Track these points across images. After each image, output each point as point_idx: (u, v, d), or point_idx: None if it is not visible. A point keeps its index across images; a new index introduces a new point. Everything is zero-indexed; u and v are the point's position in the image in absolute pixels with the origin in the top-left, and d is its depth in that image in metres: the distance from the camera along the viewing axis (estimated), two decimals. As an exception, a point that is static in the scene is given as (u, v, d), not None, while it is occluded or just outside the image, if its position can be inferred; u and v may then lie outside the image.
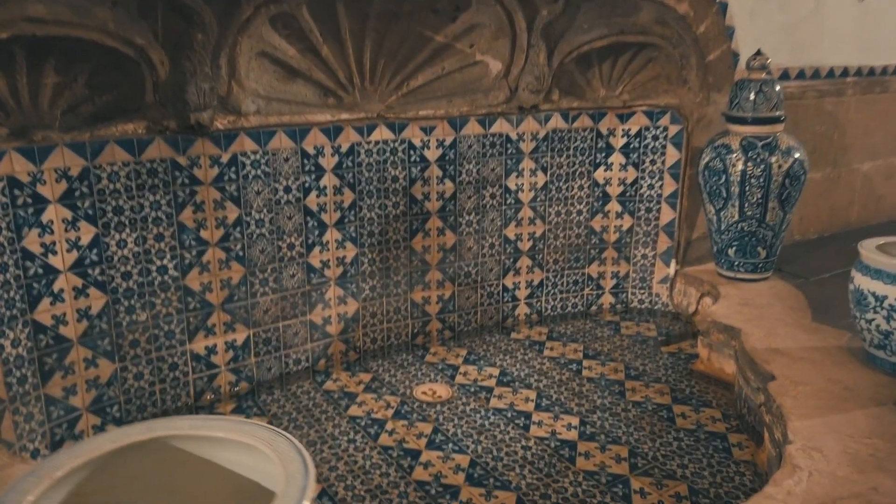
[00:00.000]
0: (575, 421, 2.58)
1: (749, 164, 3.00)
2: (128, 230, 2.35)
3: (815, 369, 2.29)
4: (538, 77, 3.11)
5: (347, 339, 3.04)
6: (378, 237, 3.01)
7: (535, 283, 3.47)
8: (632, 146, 3.43)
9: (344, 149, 2.82)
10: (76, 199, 2.21)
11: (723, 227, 3.19)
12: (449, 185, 3.12)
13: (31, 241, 2.13)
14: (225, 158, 2.52)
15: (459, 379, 2.92)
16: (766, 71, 3.06)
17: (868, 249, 2.27)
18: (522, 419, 2.59)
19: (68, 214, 2.20)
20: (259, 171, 2.62)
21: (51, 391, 2.23)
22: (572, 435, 2.49)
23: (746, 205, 3.07)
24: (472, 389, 2.82)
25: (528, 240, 3.39)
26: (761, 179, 3.00)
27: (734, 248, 3.18)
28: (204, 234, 2.53)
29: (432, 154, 3.04)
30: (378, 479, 2.22)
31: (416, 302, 3.19)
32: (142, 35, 2.18)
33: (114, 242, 2.32)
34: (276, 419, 2.57)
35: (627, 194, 3.49)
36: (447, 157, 3.08)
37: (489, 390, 2.82)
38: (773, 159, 2.99)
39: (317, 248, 2.84)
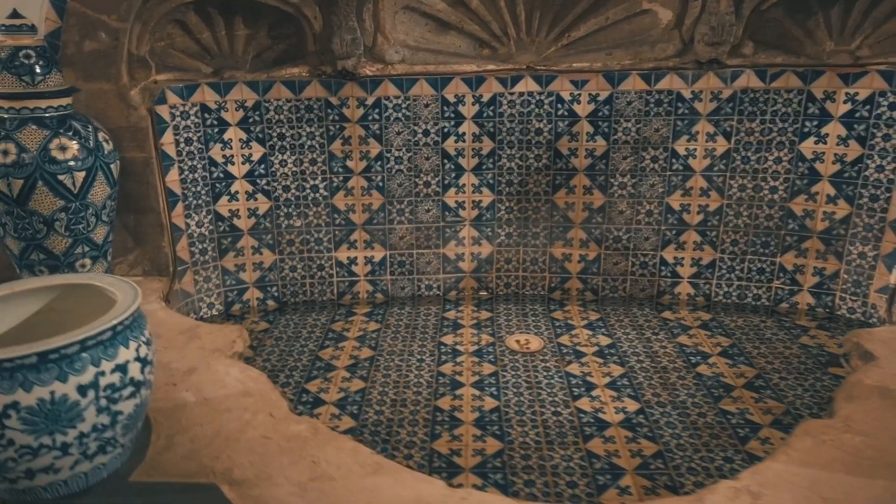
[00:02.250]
0: (633, 408, 2.38)
1: None
2: (288, 153, 2.98)
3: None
4: (717, 27, 2.70)
5: (480, 279, 3.24)
6: (517, 187, 3.09)
7: (705, 262, 3.09)
8: (858, 115, 2.72)
9: (485, 98, 2.96)
10: (250, 125, 2.92)
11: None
12: (601, 142, 2.99)
13: (216, 152, 2.91)
14: (370, 101, 2.94)
15: (564, 339, 2.89)
16: None
17: None
18: (582, 389, 2.50)
19: (243, 136, 2.92)
20: (400, 114, 2.97)
21: (225, 264, 3.06)
22: (614, 418, 2.32)
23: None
24: (564, 350, 2.79)
25: (699, 213, 3.02)
26: None
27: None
28: (350, 163, 3.02)
29: (583, 109, 2.95)
30: (409, 395, 2.48)
31: (556, 257, 3.19)
32: (293, -6, 2.71)
33: (277, 161, 2.99)
34: (391, 328, 2.97)
35: (846, 175, 2.80)
36: (600, 113, 2.94)
37: (580, 355, 2.74)
38: None
39: (452, 189, 3.09)
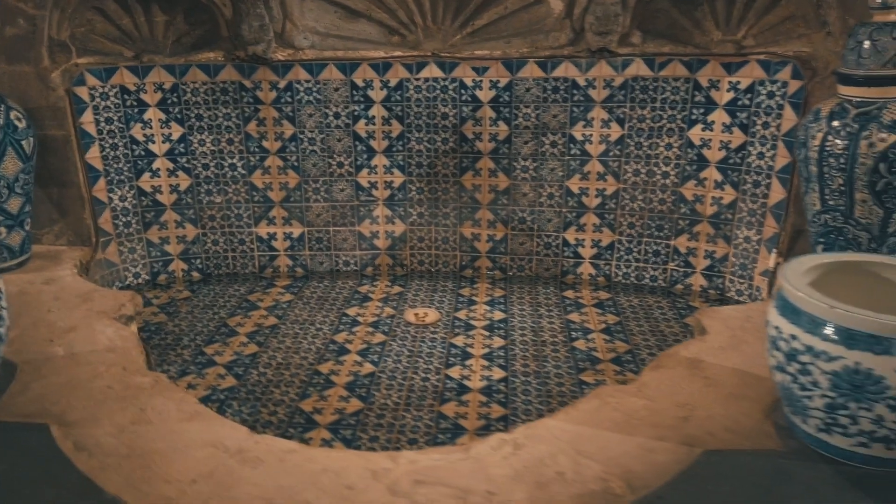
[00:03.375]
0: (498, 376, 2.54)
1: (830, 136, 2.25)
2: (206, 133, 3.16)
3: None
4: (603, 17, 2.80)
5: (395, 256, 3.40)
6: (427, 169, 3.24)
7: (604, 244, 3.21)
8: (740, 103, 2.81)
9: (392, 84, 3.10)
10: (168, 106, 3.10)
11: (810, 217, 2.47)
12: (503, 127, 3.12)
13: (136, 131, 3.10)
14: (282, 84, 3.10)
15: (461, 313, 3.04)
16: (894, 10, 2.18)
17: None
18: (458, 359, 2.66)
19: (163, 116, 3.11)
20: (311, 98, 3.13)
21: (150, 237, 3.26)
22: (477, 385, 2.48)
23: (827, 191, 2.32)
24: (457, 323, 2.94)
25: (596, 196, 3.14)
26: (842, 160, 2.23)
27: (822, 247, 2.44)
28: (265, 143, 3.20)
29: (485, 95, 3.08)
30: (295, 359, 2.66)
31: (466, 237, 3.33)
32: (204, -17, 2.87)
33: (196, 140, 3.17)
34: (303, 300, 3.15)
35: (731, 161, 2.89)
36: (501, 99, 3.07)
37: (469, 328, 2.90)
38: (865, 134, 2.17)
39: (365, 170, 3.25)
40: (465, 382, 2.51)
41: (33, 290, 2.58)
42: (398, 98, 3.12)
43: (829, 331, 1.45)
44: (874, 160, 2.16)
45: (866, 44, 2.20)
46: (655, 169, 3.04)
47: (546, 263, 3.31)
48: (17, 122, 2.61)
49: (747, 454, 1.60)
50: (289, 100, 3.12)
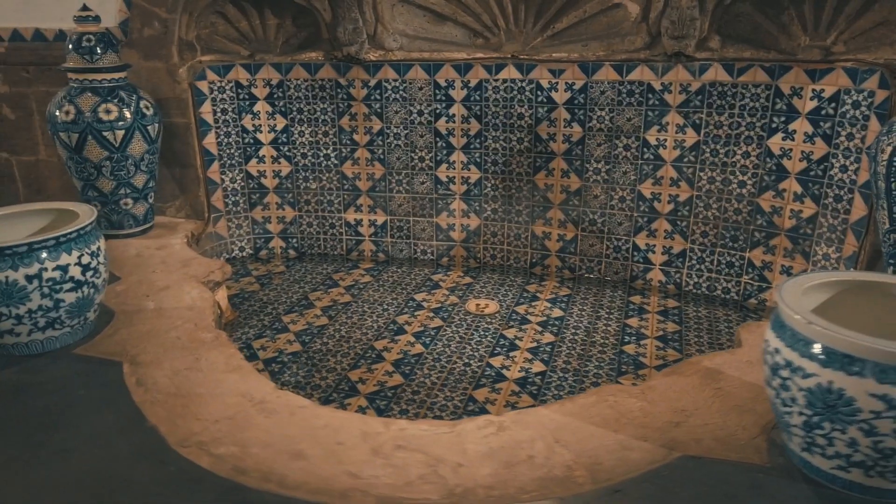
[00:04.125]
0: (538, 370, 2.62)
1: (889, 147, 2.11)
2: (306, 125, 3.49)
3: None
4: (679, 21, 2.77)
5: (469, 248, 3.56)
6: (502, 166, 3.35)
7: (675, 251, 3.16)
8: (824, 112, 2.67)
9: (473, 84, 3.25)
10: (275, 100, 3.46)
11: (881, 236, 2.32)
12: (577, 129, 3.16)
13: (247, 121, 3.50)
14: (373, 83, 3.35)
15: (522, 307, 3.14)
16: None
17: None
18: (504, 349, 2.77)
19: (269, 109, 3.48)
20: (398, 95, 3.35)
21: (254, 216, 3.66)
22: (514, 375, 2.58)
23: (895, 206, 2.17)
24: (514, 317, 3.04)
25: (669, 202, 3.10)
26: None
27: (892, 268, 2.29)
28: (356, 137, 3.47)
29: (560, 96, 3.14)
30: (357, 334, 2.90)
31: (537, 234, 3.41)
32: (308, -10, 3.19)
33: (297, 131, 3.51)
34: (379, 282, 3.40)
35: (812, 174, 2.75)
36: (576, 101, 3.12)
37: (524, 322, 2.99)
38: (935, 150, 2.02)
39: (444, 165, 3.43)
40: (504, 372, 2.62)
41: (147, 253, 3.02)
42: (477, 98, 3.27)
43: (806, 347, 1.42)
44: (942, 175, 2.01)
45: (947, 52, 2.04)
46: (732, 177, 2.94)
47: (615, 267, 3.31)
48: (145, 110, 3.07)
49: (727, 464, 1.59)
50: (378, 97, 3.37)
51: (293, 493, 1.52)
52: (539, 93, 3.17)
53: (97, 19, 3.01)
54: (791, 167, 2.80)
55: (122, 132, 2.99)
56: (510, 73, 3.19)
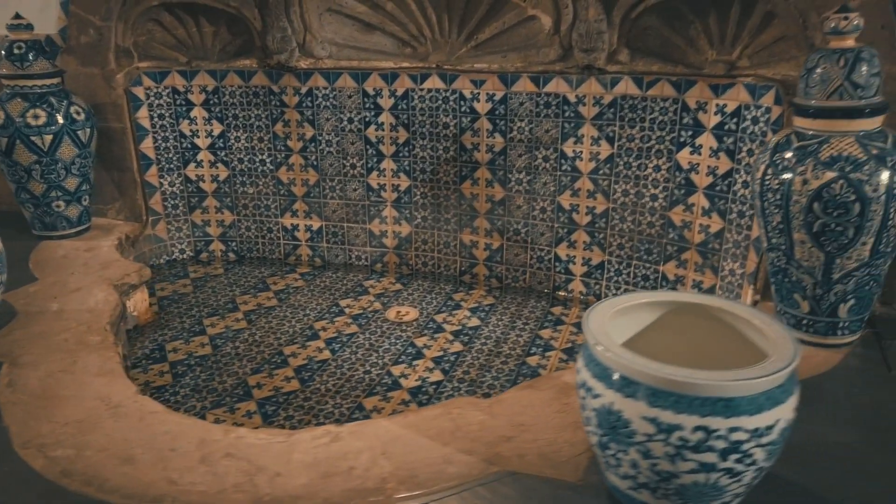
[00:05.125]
0: (435, 379, 2.65)
1: (770, 169, 2.10)
2: (241, 130, 3.56)
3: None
4: (587, 34, 2.78)
5: (401, 255, 3.59)
6: (430, 175, 3.39)
7: (594, 262, 3.16)
8: (727, 128, 2.66)
9: (399, 93, 3.29)
10: (211, 106, 3.53)
11: (763, 254, 2.31)
12: (499, 139, 3.18)
13: (184, 126, 3.57)
14: (304, 90, 3.41)
15: (441, 316, 3.17)
16: (851, 34, 1.98)
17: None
18: (409, 358, 2.80)
19: (206, 114, 3.55)
20: (328, 103, 3.40)
21: (194, 218, 3.73)
22: (410, 384, 2.61)
23: (769, 227, 2.17)
24: (430, 325, 3.07)
25: (587, 214, 3.10)
26: (778, 195, 2.07)
27: (773, 285, 2.28)
28: (290, 143, 3.53)
29: (482, 107, 3.16)
30: (270, 339, 2.95)
31: (465, 243, 3.44)
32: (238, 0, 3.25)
33: (233, 137, 3.58)
34: (309, 287, 3.46)
35: (718, 189, 2.75)
36: (497, 112, 3.14)
37: (438, 331, 3.02)
38: (801, 169, 2.01)
39: (375, 173, 3.47)
40: (401, 380, 2.65)
41: (73, 255, 3.11)
42: (404, 106, 3.30)
43: (596, 367, 1.44)
44: (808, 198, 2.00)
45: (815, 72, 2.02)
46: (644, 191, 2.94)
47: (539, 277, 3.32)
48: (75, 116, 3.16)
49: (539, 481, 1.61)
50: (309, 104, 3.43)
51: (108, 498, 1.57)
52: (462, 103, 3.19)
53: (29, 27, 3.10)
54: (699, 182, 2.79)
55: (51, 136, 3.08)
56: (435, 82, 3.22)
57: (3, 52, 3.06)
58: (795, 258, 2.11)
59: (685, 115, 2.75)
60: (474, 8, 3.05)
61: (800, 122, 2.08)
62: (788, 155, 2.05)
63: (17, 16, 3.09)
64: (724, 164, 2.69)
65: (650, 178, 2.91)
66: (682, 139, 2.79)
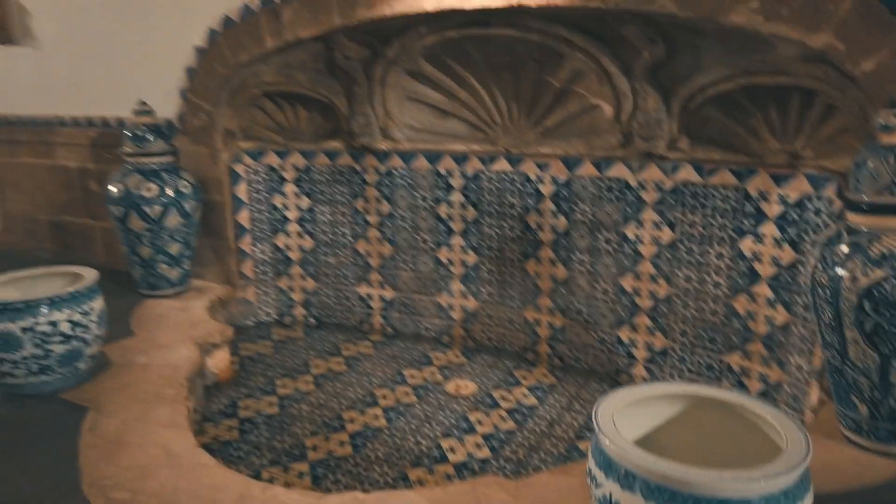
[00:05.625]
0: (482, 456, 2.68)
1: (820, 264, 2.06)
2: (326, 205, 3.84)
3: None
4: (645, 123, 2.85)
5: (467, 329, 3.69)
6: (496, 252, 3.50)
7: (657, 348, 3.11)
8: (790, 218, 2.61)
9: (469, 174, 3.46)
10: (301, 183, 3.86)
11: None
12: (562, 220, 3.26)
13: (277, 200, 3.90)
14: (383, 170, 3.66)
15: (499, 392, 3.21)
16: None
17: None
18: (460, 432, 2.85)
19: (296, 190, 3.87)
20: (404, 182, 3.63)
21: (280, 284, 4.02)
22: (456, 459, 2.66)
23: (822, 324, 2.10)
24: (487, 401, 3.12)
25: (649, 298, 3.09)
26: (828, 291, 2.02)
27: (831, 384, 2.18)
28: (368, 217, 3.77)
29: (546, 189, 3.26)
30: (333, 403, 3.10)
31: (529, 320, 3.49)
32: (326, 87, 3.58)
33: (318, 210, 3.87)
34: (378, 355, 3.62)
35: (782, 280, 2.67)
36: (560, 194, 3.23)
37: (492, 407, 3.06)
38: (850, 265, 1.95)
39: (444, 248, 3.62)
40: (448, 454, 2.70)
41: (169, 313, 3.45)
42: (474, 187, 3.47)
43: (600, 455, 1.46)
44: (857, 296, 1.93)
45: (864, 168, 1.99)
46: (707, 277, 2.90)
47: (601, 359, 3.30)
48: (183, 189, 3.56)
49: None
50: (387, 183, 3.67)
51: (149, 540, 1.73)
52: (527, 184, 3.31)
53: (151, 112, 3.57)
54: (762, 271, 2.72)
55: (161, 207, 3.48)
56: (502, 165, 3.37)
57: (127, 134, 3.53)
58: (850, 358, 2.02)
59: (747, 203, 2.72)
60: (541, 97, 3.20)
61: (851, 218, 2.03)
62: (838, 250, 2.00)
63: (143, 103, 3.57)
64: (787, 255, 2.63)
65: (712, 265, 2.87)
66: (744, 227, 2.75)
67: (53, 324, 2.46)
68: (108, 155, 4.10)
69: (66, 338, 2.50)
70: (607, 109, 3.01)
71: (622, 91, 2.89)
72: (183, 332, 3.18)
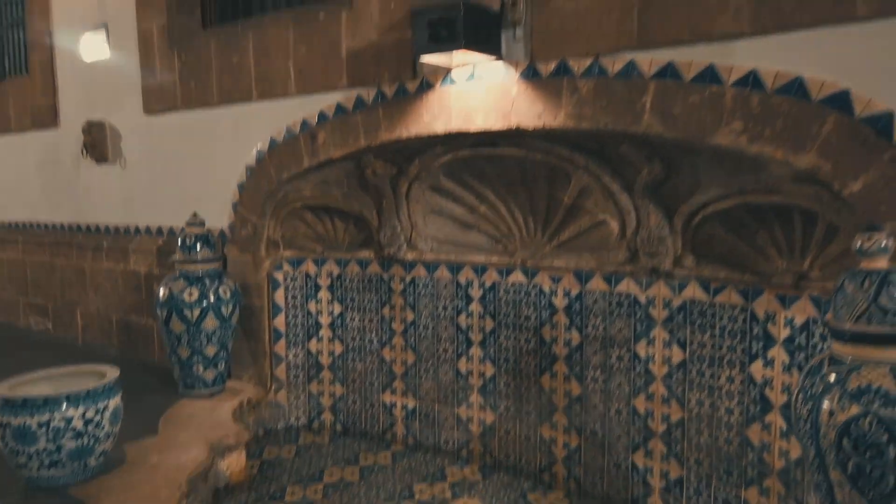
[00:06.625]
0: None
1: (801, 394, 1.91)
2: (356, 312, 3.97)
3: None
4: (649, 239, 2.81)
5: (485, 444, 3.59)
6: (513, 364, 3.45)
7: (673, 476, 2.90)
8: (797, 342, 2.45)
9: (488, 284, 3.49)
10: (334, 289, 4.02)
11: (818, 496, 2.01)
12: (575, 334, 3.19)
13: (311, 306, 4.07)
14: (408, 279, 3.76)
15: (505, 515, 3.07)
16: (878, 255, 1.83)
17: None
18: (452, 557, 2.74)
19: (329, 296, 4.03)
20: (427, 291, 3.70)
21: (311, 389, 4.12)
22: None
23: (807, 461, 1.92)
24: (489, 524, 2.99)
25: (662, 421, 2.92)
26: (808, 425, 1.86)
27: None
28: (394, 325, 3.84)
29: (560, 302, 3.23)
30: (335, 516, 3.08)
31: (545, 438, 3.36)
32: (358, 201, 3.79)
33: (349, 317, 3.99)
34: (394, 467, 3.58)
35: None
36: (573, 308, 3.19)
37: (494, 532, 2.93)
38: (828, 397, 1.80)
39: (464, 358, 3.61)
40: (433, 578, 2.59)
41: (197, 413, 3.60)
42: (492, 297, 3.48)
43: None
44: (836, 432, 1.76)
45: (841, 293, 1.87)
46: (719, 402, 2.72)
47: (617, 485, 3.10)
48: (222, 294, 3.80)
49: None
50: (412, 291, 3.76)
51: None
52: (542, 297, 3.30)
53: (202, 224, 3.90)
54: (774, 399, 2.53)
55: (199, 311, 3.72)
56: (518, 277, 3.38)
57: (179, 242, 3.86)
58: (838, 502, 1.82)
59: (754, 325, 2.58)
60: (554, 211, 3.23)
61: (835, 346, 1.89)
62: (818, 381, 1.85)
63: (195, 215, 3.91)
64: (797, 382, 2.43)
65: (724, 389, 2.70)
66: (753, 350, 2.59)
67: (68, 420, 2.65)
68: (167, 261, 4.47)
69: (78, 434, 2.67)
70: (614, 225, 3.00)
71: (625, 208, 2.88)
72: (201, 434, 3.30)
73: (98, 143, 4.91)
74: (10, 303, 6.07)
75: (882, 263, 1.83)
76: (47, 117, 5.42)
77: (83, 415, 2.69)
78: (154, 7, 4.43)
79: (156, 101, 4.53)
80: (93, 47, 4.86)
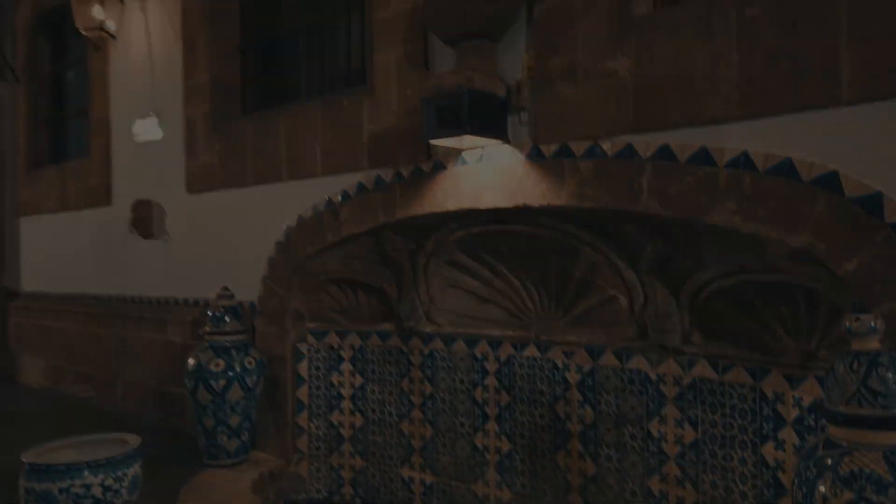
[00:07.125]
0: None
1: (797, 479, 1.86)
2: (377, 384, 4.02)
3: None
4: (657, 315, 2.81)
5: (503, 522, 3.53)
6: (528, 440, 3.42)
7: (690, 565, 2.80)
8: (807, 424, 2.39)
9: (503, 358, 3.51)
10: (356, 361, 4.09)
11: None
12: (589, 411, 3.17)
13: (334, 378, 4.15)
14: (426, 351, 3.81)
15: None
16: (867, 336, 1.81)
17: None
18: None
19: (351, 368, 4.10)
20: (445, 364, 3.74)
21: (332, 461, 4.14)
22: None
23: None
24: None
25: (677, 504, 2.84)
26: (803, 516, 1.80)
27: None
28: (412, 398, 3.87)
29: (572, 377, 3.23)
30: None
31: (561, 518, 3.29)
32: (379, 275, 3.90)
33: (369, 389, 4.04)
34: (406, 543, 3.55)
35: (809, 494, 2.38)
36: (586, 383, 3.17)
37: None
38: (823, 484, 1.76)
39: (480, 433, 3.60)
40: None
41: (219, 485, 3.66)
42: (507, 371, 3.50)
43: None
44: (828, 524, 1.71)
45: (833, 374, 1.84)
46: (733, 486, 2.64)
47: (633, 571, 3.00)
48: (248, 365, 3.92)
49: None
50: (430, 364, 3.80)
51: None
52: (555, 372, 3.30)
53: (231, 296, 4.07)
54: (788, 483, 2.44)
55: (224, 381, 3.84)
56: (532, 351, 3.40)
57: (208, 314, 4.03)
58: None
59: (764, 405, 2.53)
60: (566, 286, 3.27)
61: (830, 429, 1.85)
62: (811, 465, 1.81)
63: (225, 288, 4.10)
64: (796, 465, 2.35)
65: (737, 472, 2.62)
66: (764, 431, 2.53)
67: (87, 486, 2.75)
68: (199, 332, 4.64)
69: (97, 501, 2.77)
70: (623, 301, 3.02)
71: (631, 284, 2.90)
72: None
73: (145, 219, 5.22)
74: (58, 370, 6.35)
75: (872, 344, 1.81)
76: (102, 196, 5.80)
77: (102, 482, 2.79)
78: (200, 95, 4.78)
79: (198, 181, 4.83)
80: (144, 131, 5.25)
